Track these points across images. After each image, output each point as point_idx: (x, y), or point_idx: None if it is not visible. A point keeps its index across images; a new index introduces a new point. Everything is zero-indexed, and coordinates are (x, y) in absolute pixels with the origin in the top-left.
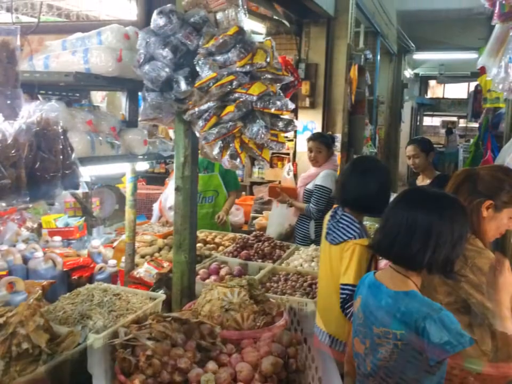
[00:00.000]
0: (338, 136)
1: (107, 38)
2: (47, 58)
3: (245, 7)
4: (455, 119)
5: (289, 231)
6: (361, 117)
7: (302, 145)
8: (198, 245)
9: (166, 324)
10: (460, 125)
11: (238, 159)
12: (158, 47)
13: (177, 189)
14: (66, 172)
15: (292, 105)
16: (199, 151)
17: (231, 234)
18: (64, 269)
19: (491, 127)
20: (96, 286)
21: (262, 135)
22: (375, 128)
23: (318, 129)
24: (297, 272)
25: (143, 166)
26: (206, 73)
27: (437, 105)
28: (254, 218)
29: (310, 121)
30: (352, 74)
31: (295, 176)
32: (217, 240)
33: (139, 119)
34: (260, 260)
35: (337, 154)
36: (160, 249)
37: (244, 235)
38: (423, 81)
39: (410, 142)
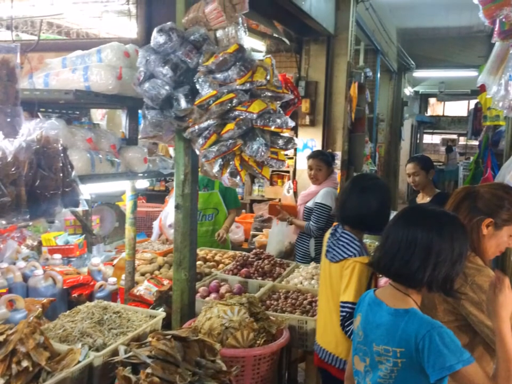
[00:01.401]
0: (338, 154)
1: (107, 56)
2: (47, 76)
3: (245, 25)
4: (455, 136)
5: (289, 249)
6: (361, 135)
7: (302, 163)
8: (198, 262)
9: (166, 341)
10: (460, 143)
11: (238, 177)
12: (158, 65)
13: (177, 207)
14: (66, 189)
15: (292, 123)
16: (199, 169)
17: (231, 252)
18: (64, 287)
19: (491, 145)
20: (96, 304)
21: (262, 153)
22: (375, 146)
23: (318, 147)
24: (297, 290)
25: (143, 183)
26: (206, 91)
27: (437, 123)
28: (254, 236)
29: (310, 139)
30: (352, 92)
31: (295, 194)
32: (217, 258)
33: (139, 136)
34: (260, 278)
35: (337, 172)
36: (160, 267)
37: (244, 253)
38: (423, 99)
39: (410, 160)
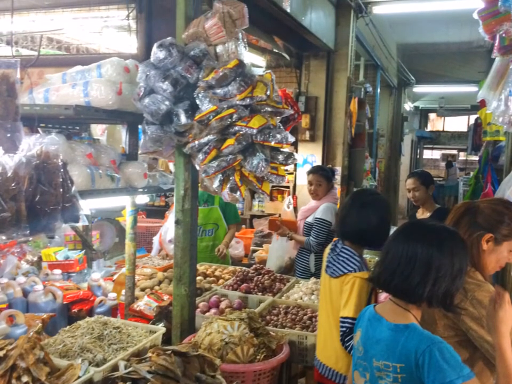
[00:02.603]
0: (338, 169)
1: (107, 71)
2: (47, 91)
3: (245, 40)
4: (455, 152)
5: (289, 264)
6: (361, 150)
7: (302, 178)
8: (198, 278)
9: (166, 357)
10: (460, 158)
11: (238, 192)
12: (158, 80)
13: (177, 222)
14: (66, 205)
15: (292, 138)
16: (199, 184)
17: (231, 267)
18: (64, 302)
19: (491, 160)
20: (96, 319)
21: (262, 168)
22: (375, 161)
23: (318, 162)
24: (297, 305)
25: (143, 199)
26: (206, 106)
27: (437, 138)
28: (254, 251)
29: (310, 154)
30: (352, 107)
31: (295, 209)
32: (217, 273)
33: (139, 152)
34: (260, 293)
35: (337, 188)
36: (160, 282)
37: (243, 268)
38: (423, 114)
39: (410, 175)
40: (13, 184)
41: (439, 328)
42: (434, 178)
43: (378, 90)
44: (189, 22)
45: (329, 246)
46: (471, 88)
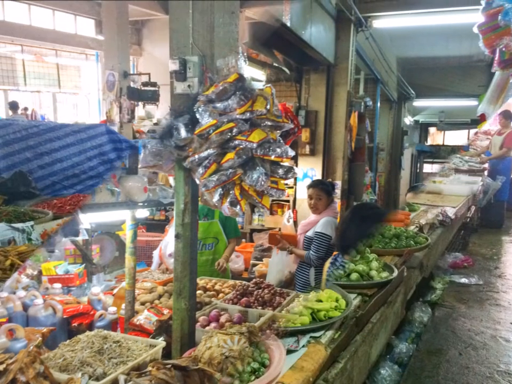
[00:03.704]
0: (338, 183)
1: None
2: None
3: (245, 54)
4: None
5: (289, 278)
6: (361, 164)
7: (302, 192)
8: (198, 292)
9: (166, 371)
10: None
11: (238, 206)
12: None
13: (177, 236)
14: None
15: (292, 152)
16: (199, 198)
17: (231, 282)
18: (64, 316)
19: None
20: (96, 333)
21: (262, 182)
22: (375, 175)
23: (318, 176)
24: None
25: (143, 213)
26: (206, 120)
27: (437, 152)
28: (254, 265)
29: (310, 168)
30: (352, 121)
31: (295, 223)
32: (217, 287)
33: (139, 166)
34: (260, 307)
35: (337, 202)
36: (160, 296)
37: (244, 282)
38: (423, 128)
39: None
40: None
41: None
42: None
43: (378, 104)
44: None
45: (329, 260)
46: (471, 102)
